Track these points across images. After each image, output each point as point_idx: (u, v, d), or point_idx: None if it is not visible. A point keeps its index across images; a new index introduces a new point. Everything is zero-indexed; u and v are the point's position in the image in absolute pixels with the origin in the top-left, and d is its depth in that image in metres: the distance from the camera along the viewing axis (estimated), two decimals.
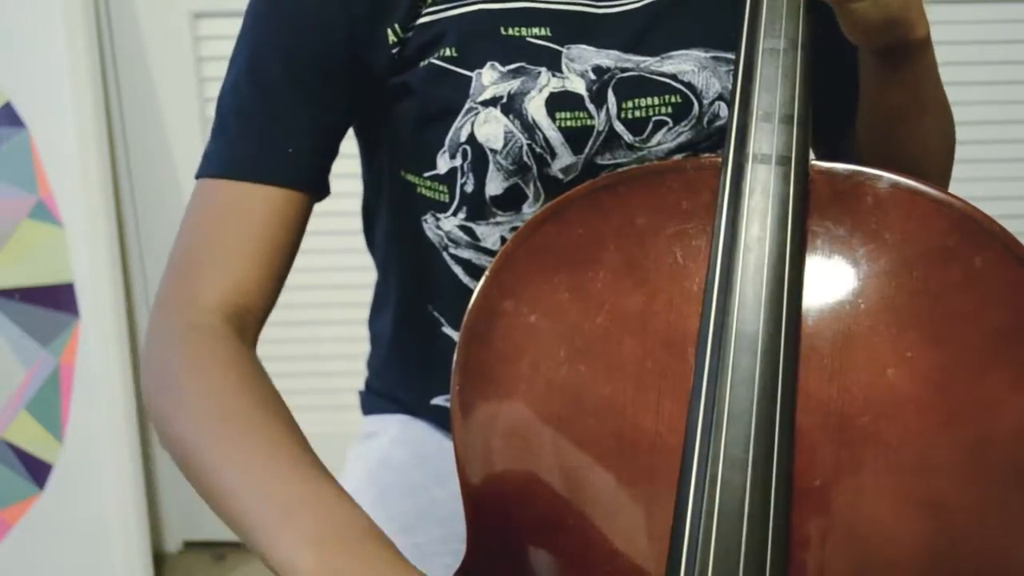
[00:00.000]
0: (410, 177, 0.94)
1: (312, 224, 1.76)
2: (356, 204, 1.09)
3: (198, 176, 0.89)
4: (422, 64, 0.88)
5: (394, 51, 0.88)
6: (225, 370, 0.79)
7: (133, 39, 1.87)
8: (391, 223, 1.01)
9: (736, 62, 0.77)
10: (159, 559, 2.07)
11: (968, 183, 1.02)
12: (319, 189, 0.90)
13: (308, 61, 0.87)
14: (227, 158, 0.88)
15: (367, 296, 1.15)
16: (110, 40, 1.86)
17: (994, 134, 1.89)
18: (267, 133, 0.87)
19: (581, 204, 0.77)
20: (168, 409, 0.79)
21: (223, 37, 1.91)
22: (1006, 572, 0.71)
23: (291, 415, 0.79)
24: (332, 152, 0.91)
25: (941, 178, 0.93)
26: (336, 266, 1.92)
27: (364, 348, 1.18)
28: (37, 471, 1.86)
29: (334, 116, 0.90)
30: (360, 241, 1.12)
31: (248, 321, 0.85)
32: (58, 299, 1.82)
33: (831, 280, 0.73)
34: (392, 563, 0.68)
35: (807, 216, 0.74)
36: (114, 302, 1.84)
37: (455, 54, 0.87)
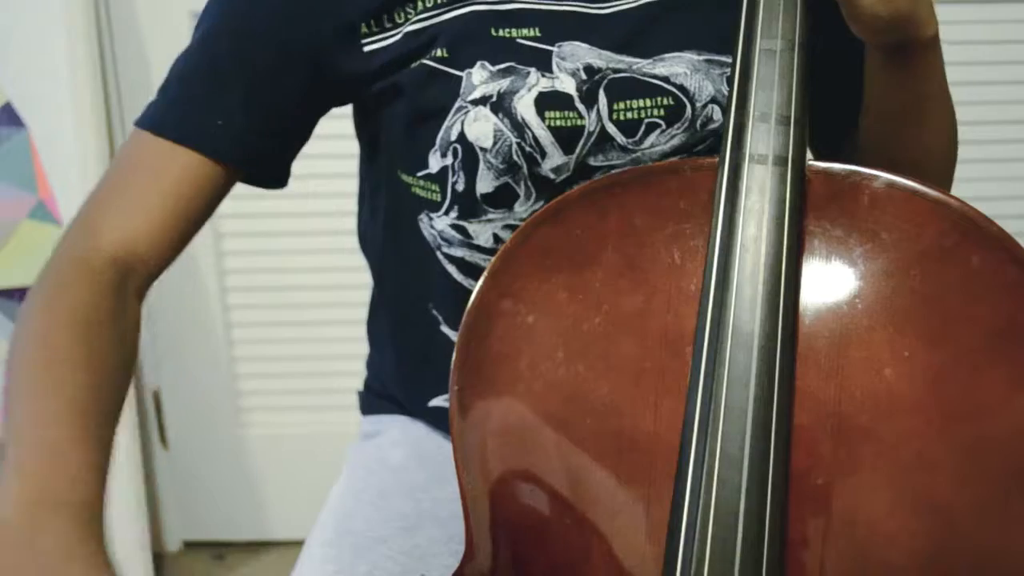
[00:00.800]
0: (405, 177, 0.94)
1: (312, 224, 1.77)
2: (355, 204, 1.09)
3: (135, 124, 0.91)
4: (413, 65, 0.88)
5: (367, 48, 0.89)
6: (67, 305, 0.81)
7: (133, 39, 1.87)
8: (388, 224, 1.01)
9: (733, 62, 0.77)
10: (159, 559, 2.07)
11: (967, 183, 1.02)
12: (252, 169, 0.92)
13: (263, 42, 0.89)
14: (160, 115, 0.90)
15: (367, 296, 1.15)
16: (110, 40, 1.86)
17: (994, 134, 1.89)
18: (200, 101, 0.89)
19: (579, 205, 0.77)
20: (14, 332, 0.81)
21: None
22: (1003, 572, 0.71)
23: (118, 370, 0.80)
24: (278, 138, 0.93)
25: (942, 182, 0.93)
26: (336, 266, 1.92)
27: (364, 348, 1.18)
28: None
29: (283, 100, 0.91)
30: (357, 241, 1.12)
31: (137, 268, 0.87)
32: None
33: (828, 280, 0.73)
34: (86, 536, 0.69)
35: (804, 216, 0.74)
36: None
37: (446, 55, 0.88)
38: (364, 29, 0.88)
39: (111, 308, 0.82)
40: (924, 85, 0.85)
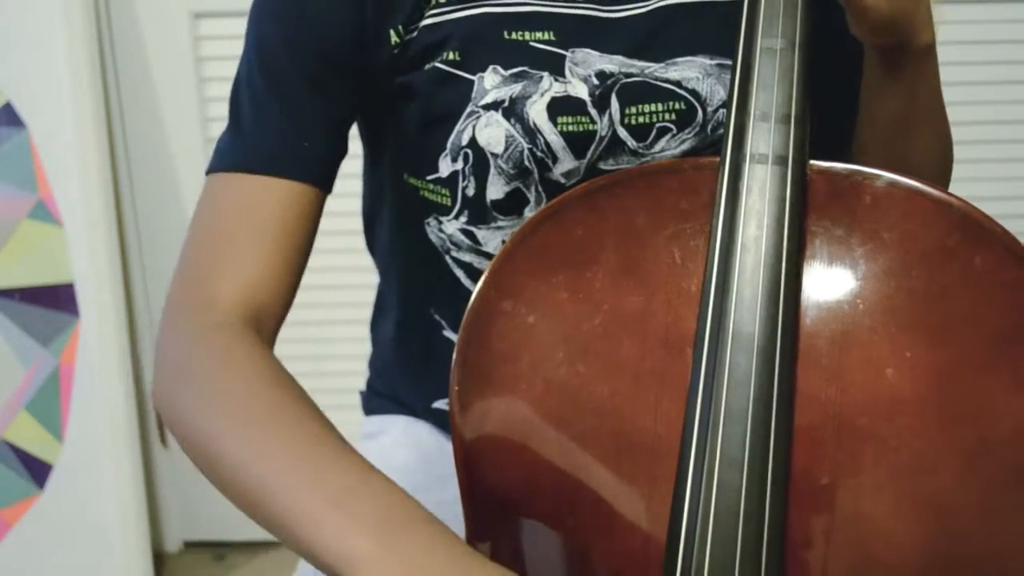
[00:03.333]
0: (413, 180, 0.94)
1: None
2: (356, 204, 1.09)
3: (210, 171, 0.88)
4: (426, 67, 0.88)
5: (395, 51, 0.88)
6: (251, 365, 0.77)
7: (133, 39, 1.87)
8: (395, 226, 1.01)
9: (734, 61, 0.76)
10: (159, 559, 2.07)
11: (969, 183, 1.02)
12: (330, 184, 0.89)
13: (315, 55, 0.87)
14: (240, 151, 0.87)
15: (367, 296, 1.15)
16: (110, 40, 1.86)
17: (994, 134, 1.89)
18: (281, 126, 0.86)
19: (580, 204, 0.77)
20: (189, 406, 0.76)
21: (223, 37, 1.92)
22: (1005, 573, 0.70)
23: (311, 402, 0.77)
24: (341, 147, 0.90)
25: None
26: (336, 266, 1.92)
27: (364, 348, 1.18)
28: (37, 471, 1.86)
29: (342, 110, 0.89)
30: (359, 241, 1.12)
31: (265, 320, 0.83)
32: (58, 299, 1.82)
33: (829, 280, 0.72)
34: (453, 545, 0.66)
35: (805, 216, 0.73)
36: (114, 302, 1.84)
37: (458, 58, 0.87)
38: (394, 34, 0.87)
39: (273, 361, 0.79)
40: (919, 94, 0.85)
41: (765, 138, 0.73)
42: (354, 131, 1.00)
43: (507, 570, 0.66)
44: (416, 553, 0.65)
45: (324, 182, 0.88)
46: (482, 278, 0.77)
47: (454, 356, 0.77)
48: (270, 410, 0.74)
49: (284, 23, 0.87)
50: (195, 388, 0.77)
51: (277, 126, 0.86)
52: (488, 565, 0.65)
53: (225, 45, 1.83)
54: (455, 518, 0.99)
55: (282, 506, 0.69)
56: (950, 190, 0.75)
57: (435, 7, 0.87)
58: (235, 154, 0.87)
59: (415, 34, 0.87)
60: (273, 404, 0.74)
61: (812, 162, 0.75)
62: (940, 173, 0.93)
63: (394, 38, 0.87)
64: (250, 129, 0.87)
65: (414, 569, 0.64)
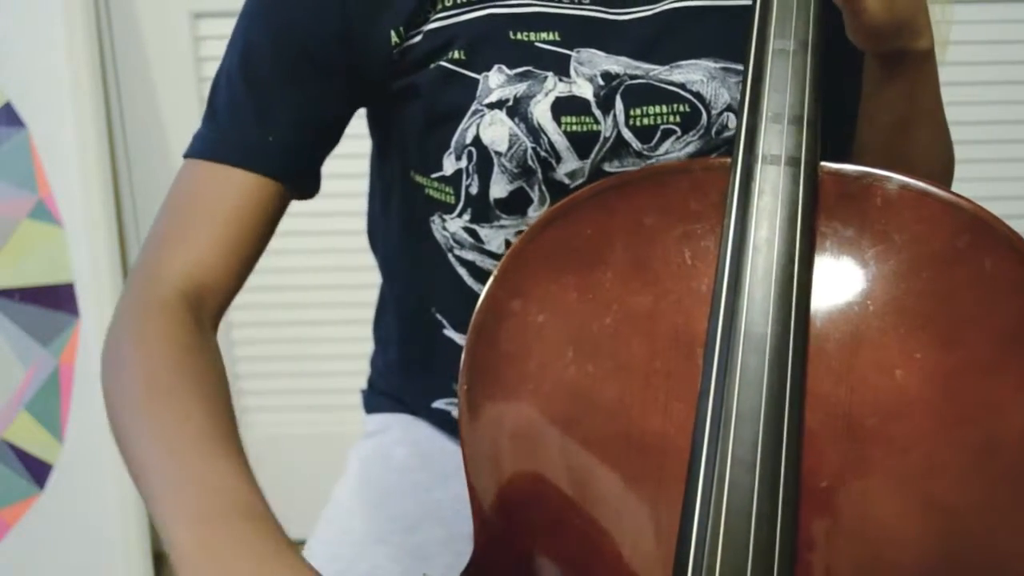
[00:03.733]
0: (418, 178, 0.94)
1: (312, 224, 1.77)
2: (356, 204, 1.09)
3: (184, 156, 0.91)
4: (431, 67, 0.88)
5: (396, 52, 0.88)
6: (162, 345, 0.80)
7: (133, 39, 1.87)
8: (400, 224, 1.01)
9: (745, 62, 0.76)
10: (159, 559, 2.06)
11: (974, 183, 1.02)
12: (299, 183, 0.91)
13: (300, 56, 0.88)
14: (210, 141, 0.89)
15: (367, 296, 1.15)
16: (110, 40, 1.86)
17: (997, 134, 1.89)
18: (250, 121, 0.89)
19: (589, 204, 0.77)
20: (108, 379, 0.80)
21: (223, 37, 1.89)
22: (1013, 574, 0.70)
23: (222, 394, 0.79)
24: (319, 148, 0.92)
25: None
26: (337, 266, 1.92)
27: (364, 348, 1.18)
28: (37, 471, 1.86)
29: (324, 112, 0.91)
30: (360, 241, 1.12)
31: (207, 299, 0.86)
32: (58, 299, 1.81)
33: (840, 281, 0.73)
34: (268, 541, 0.67)
35: (816, 217, 0.74)
36: (114, 302, 1.82)
37: (463, 57, 0.88)
38: (394, 34, 0.88)
39: (195, 339, 0.82)
40: (917, 97, 0.85)
41: (777, 139, 0.74)
42: (353, 131, 1.01)
43: (313, 570, 0.66)
44: (226, 550, 0.66)
45: (289, 177, 0.90)
46: (491, 278, 0.77)
47: (463, 356, 0.77)
48: (159, 390, 0.76)
49: (269, 20, 0.89)
50: (113, 364, 0.81)
51: (248, 119, 0.89)
52: (297, 567, 0.66)
53: (225, 45, 1.82)
54: (454, 516, 0.99)
55: (141, 488, 0.72)
56: (956, 191, 0.75)
57: (441, 10, 0.87)
58: (204, 142, 0.90)
59: (419, 37, 0.88)
60: (163, 385, 0.77)
61: (823, 163, 0.75)
62: (941, 173, 0.93)
63: (394, 39, 0.87)
64: (222, 119, 0.90)
65: (220, 565, 0.65)
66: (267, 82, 0.89)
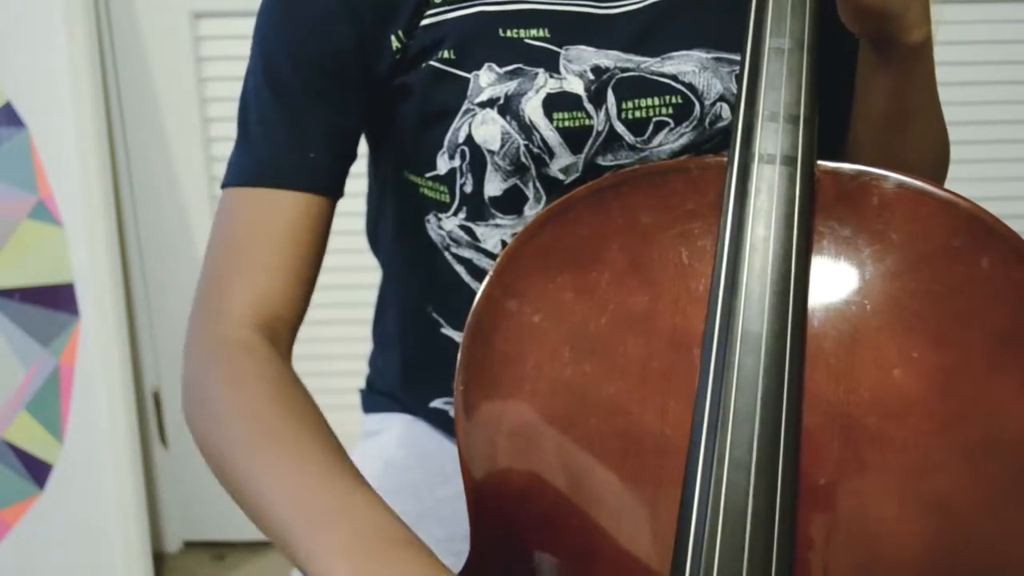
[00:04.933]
0: (413, 177, 0.94)
1: None
2: (356, 204, 1.09)
3: (223, 186, 0.90)
4: (422, 66, 0.88)
5: (397, 56, 0.88)
6: (256, 382, 0.80)
7: (133, 39, 1.87)
8: (396, 223, 1.01)
9: (742, 61, 0.76)
10: (159, 559, 2.06)
11: (971, 183, 1.02)
12: (339, 191, 0.91)
13: (320, 67, 0.88)
14: (250, 166, 0.89)
15: (367, 296, 1.15)
16: (110, 40, 1.86)
17: (996, 134, 1.89)
18: (288, 139, 0.88)
19: (585, 203, 0.77)
20: (204, 424, 0.80)
21: (223, 37, 1.92)
22: (1011, 573, 0.70)
23: (325, 423, 0.79)
24: (349, 156, 0.92)
25: None
26: (336, 266, 1.91)
27: (364, 348, 1.18)
28: (37, 471, 1.86)
29: (348, 120, 0.91)
30: (359, 241, 1.12)
31: (280, 329, 0.86)
32: (58, 299, 1.81)
33: (837, 280, 0.73)
34: (424, 567, 0.68)
35: (813, 216, 0.73)
36: (114, 302, 1.83)
37: (453, 56, 0.88)
38: (395, 39, 0.88)
39: (285, 374, 0.82)
40: (909, 93, 0.85)
41: (773, 138, 0.73)
42: None
43: None
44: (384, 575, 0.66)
45: (332, 190, 0.90)
46: (487, 277, 0.77)
47: (459, 356, 0.77)
48: (269, 429, 0.77)
49: (286, 37, 0.89)
50: (206, 407, 0.81)
51: (284, 139, 0.88)
52: None
53: (225, 45, 1.83)
54: (453, 515, 0.99)
55: (273, 526, 0.72)
56: (954, 190, 0.75)
57: (432, 8, 0.88)
58: (244, 168, 0.89)
59: (414, 38, 0.88)
60: (272, 423, 0.77)
61: (820, 162, 0.75)
62: (933, 172, 0.93)
63: (395, 43, 0.88)
64: (258, 142, 0.89)
65: None
66: (296, 100, 0.89)
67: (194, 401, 0.83)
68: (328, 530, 0.69)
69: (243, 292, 0.85)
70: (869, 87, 0.85)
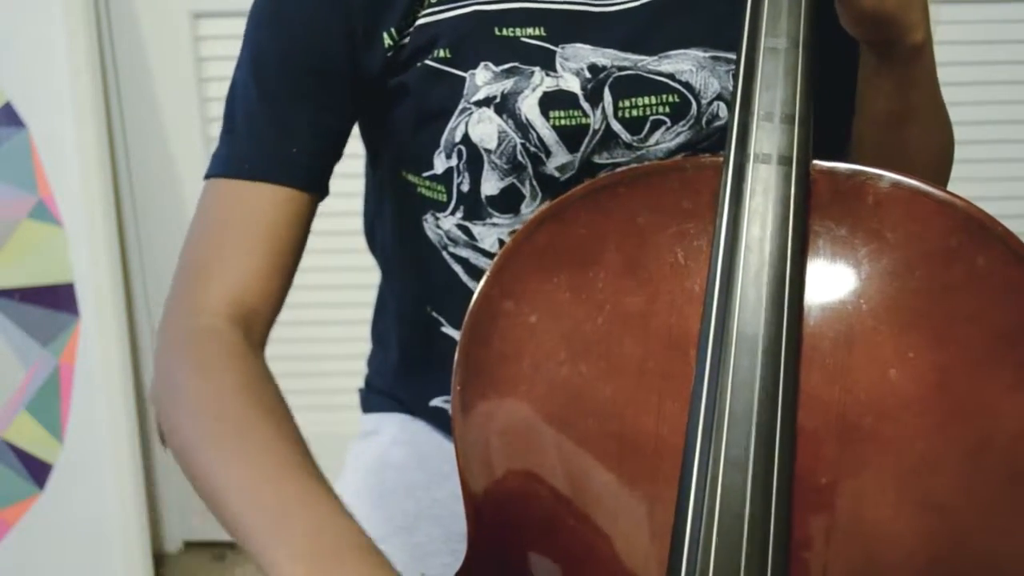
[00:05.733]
0: (410, 177, 0.94)
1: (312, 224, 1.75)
2: (356, 204, 1.09)
3: (206, 176, 0.90)
4: (417, 65, 0.88)
5: (389, 54, 0.88)
6: (224, 373, 0.80)
7: (133, 39, 1.87)
8: (394, 223, 1.02)
9: (737, 61, 0.76)
10: (159, 559, 2.06)
11: (969, 183, 1.02)
12: (321, 190, 0.91)
13: (307, 65, 0.89)
14: (232, 158, 0.89)
15: (366, 296, 1.15)
16: (110, 40, 1.86)
17: (995, 134, 1.89)
18: (271, 134, 0.89)
19: (582, 203, 0.77)
20: (170, 412, 0.80)
21: (223, 37, 1.92)
22: (1007, 573, 0.70)
23: (290, 418, 0.79)
24: (334, 154, 0.92)
25: None
26: (335, 266, 1.92)
27: (364, 348, 1.18)
28: (37, 471, 1.86)
29: (334, 119, 0.91)
30: (359, 241, 1.12)
31: (254, 321, 0.86)
32: (58, 299, 1.82)
33: (833, 280, 0.72)
34: (378, 573, 0.68)
35: (808, 216, 0.73)
36: (114, 302, 1.84)
37: (449, 55, 0.88)
38: (387, 37, 0.88)
39: (253, 366, 0.82)
40: (911, 92, 0.85)
41: (769, 138, 0.73)
42: (353, 131, 1.01)
43: None
44: None
45: (315, 186, 0.90)
46: (484, 277, 0.77)
47: (456, 356, 0.77)
48: (235, 422, 0.77)
49: (276, 34, 0.90)
50: (173, 396, 0.81)
51: (268, 133, 0.89)
52: None
53: (225, 45, 1.82)
54: (451, 515, 0.99)
55: (232, 515, 0.73)
56: (951, 190, 0.75)
57: (427, 7, 0.88)
58: (227, 160, 0.89)
59: (408, 37, 0.88)
60: (238, 416, 0.77)
61: (815, 162, 0.75)
62: (937, 170, 0.93)
63: (387, 41, 0.88)
64: (242, 136, 0.90)
65: None
66: (281, 95, 0.89)
67: (162, 388, 0.82)
68: (284, 530, 0.70)
69: (218, 283, 0.85)
70: (872, 89, 0.85)
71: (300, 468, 0.74)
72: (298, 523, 0.70)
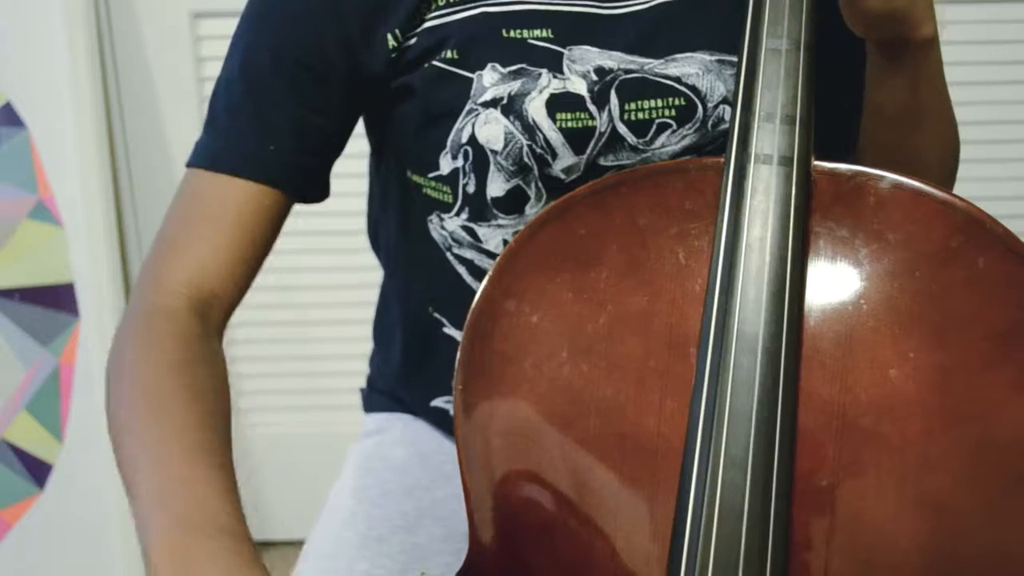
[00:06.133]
0: (416, 178, 0.94)
1: (312, 224, 1.77)
2: (356, 204, 1.09)
3: (187, 165, 0.92)
4: (424, 66, 0.88)
5: (393, 55, 0.88)
6: (166, 354, 0.81)
7: (133, 39, 1.87)
8: (398, 224, 1.02)
9: (739, 62, 0.76)
10: None
11: (970, 183, 1.02)
12: (303, 190, 0.92)
13: (301, 64, 0.89)
14: (211, 151, 0.91)
15: (367, 296, 1.15)
16: (110, 40, 1.86)
17: (995, 134, 1.89)
18: (250, 130, 0.90)
19: (584, 204, 0.77)
20: (111, 385, 0.82)
21: (223, 37, 1.89)
22: (1008, 573, 0.70)
23: (221, 407, 0.81)
24: (321, 154, 0.93)
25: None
26: (336, 266, 1.92)
27: (364, 348, 1.18)
28: (37, 471, 1.86)
29: (324, 119, 0.91)
30: (359, 241, 1.12)
31: (213, 306, 0.87)
32: (58, 299, 1.81)
33: (833, 281, 0.73)
34: (237, 556, 0.68)
35: (809, 217, 0.73)
36: (114, 302, 1.83)
37: (456, 56, 0.88)
38: (391, 38, 0.88)
39: (200, 349, 0.83)
40: (921, 89, 0.85)
41: (770, 139, 0.74)
42: (354, 130, 1.01)
43: None
44: (195, 562, 0.67)
45: (290, 185, 0.91)
46: (486, 278, 0.77)
47: (458, 356, 0.77)
48: (159, 401, 0.78)
49: (269, 31, 0.90)
50: (118, 367, 0.83)
51: (247, 128, 0.90)
52: None
53: (225, 45, 1.80)
54: (452, 515, 0.99)
55: (129, 489, 0.74)
56: (953, 190, 0.75)
57: (435, 10, 0.88)
58: (205, 151, 0.91)
59: (415, 38, 0.88)
60: (163, 395, 0.78)
61: (816, 163, 0.75)
62: (947, 163, 0.93)
63: (391, 42, 0.88)
64: (222, 129, 0.91)
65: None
66: (267, 92, 0.90)
67: (111, 362, 0.84)
68: (161, 505, 0.71)
69: (183, 266, 0.87)
70: (881, 88, 0.85)
71: (202, 451, 0.75)
72: (173, 501, 0.71)
